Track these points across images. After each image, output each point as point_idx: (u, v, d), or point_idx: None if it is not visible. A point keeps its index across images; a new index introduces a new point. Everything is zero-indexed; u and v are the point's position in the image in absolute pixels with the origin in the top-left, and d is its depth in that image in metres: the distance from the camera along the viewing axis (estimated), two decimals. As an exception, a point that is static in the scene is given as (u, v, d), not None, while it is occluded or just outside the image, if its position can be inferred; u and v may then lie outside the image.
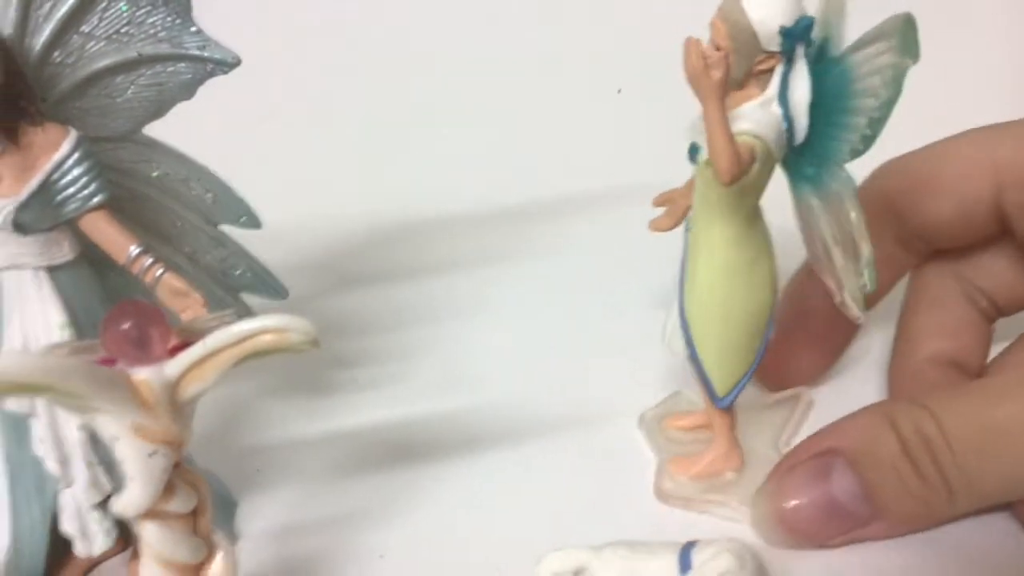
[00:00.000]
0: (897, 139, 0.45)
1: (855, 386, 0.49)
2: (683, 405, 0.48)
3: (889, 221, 0.46)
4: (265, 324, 0.29)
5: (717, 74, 0.34)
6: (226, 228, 0.42)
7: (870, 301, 0.47)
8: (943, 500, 0.38)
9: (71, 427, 0.37)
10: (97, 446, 0.37)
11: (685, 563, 0.35)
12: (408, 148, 0.77)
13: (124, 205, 0.36)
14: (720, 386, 0.42)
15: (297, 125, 0.77)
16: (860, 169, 0.43)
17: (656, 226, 0.44)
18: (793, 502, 0.40)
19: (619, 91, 0.87)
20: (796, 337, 0.48)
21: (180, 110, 0.38)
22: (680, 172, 0.42)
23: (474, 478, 0.46)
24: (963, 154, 0.44)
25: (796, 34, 0.36)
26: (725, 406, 0.42)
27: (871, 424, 0.40)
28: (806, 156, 0.39)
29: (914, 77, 0.37)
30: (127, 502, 0.31)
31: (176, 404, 0.30)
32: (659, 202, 0.44)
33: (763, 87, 0.37)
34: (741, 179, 0.36)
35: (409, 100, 0.80)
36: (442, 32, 0.83)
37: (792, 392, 0.48)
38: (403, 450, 0.48)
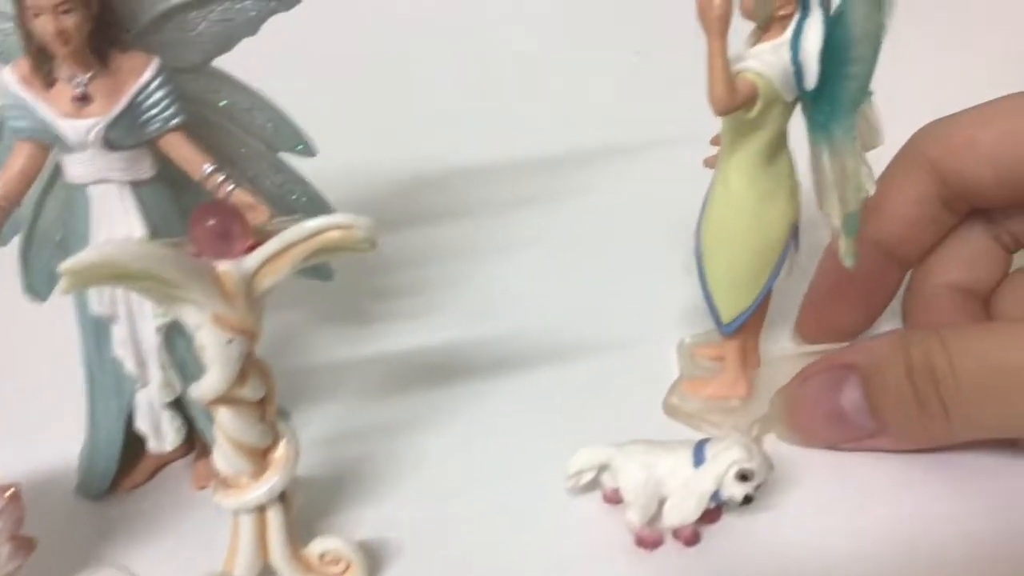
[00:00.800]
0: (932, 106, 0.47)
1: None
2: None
3: (932, 183, 0.46)
4: (333, 221, 0.32)
5: (718, 10, 0.37)
6: (285, 156, 0.44)
7: (915, 259, 0.48)
8: (940, 427, 0.40)
9: (149, 331, 0.40)
10: (171, 350, 0.41)
11: (699, 456, 0.38)
12: (446, 100, 0.80)
13: (196, 131, 0.39)
14: (725, 314, 0.44)
15: (339, 70, 0.80)
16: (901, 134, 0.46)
17: (708, 163, 0.45)
18: (805, 406, 0.43)
19: (637, 53, 0.90)
20: (836, 295, 0.49)
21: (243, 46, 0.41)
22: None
23: (508, 395, 0.49)
24: (1000, 119, 0.44)
25: (809, -18, 0.38)
26: (729, 333, 0.44)
27: (887, 346, 0.42)
28: (819, 104, 0.40)
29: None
30: (206, 386, 0.34)
31: (252, 296, 0.33)
32: (716, 141, 0.45)
33: (784, 31, 0.39)
34: (736, 112, 0.39)
35: (451, 55, 0.83)
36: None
37: (828, 347, 0.48)
38: (441, 371, 0.51)
